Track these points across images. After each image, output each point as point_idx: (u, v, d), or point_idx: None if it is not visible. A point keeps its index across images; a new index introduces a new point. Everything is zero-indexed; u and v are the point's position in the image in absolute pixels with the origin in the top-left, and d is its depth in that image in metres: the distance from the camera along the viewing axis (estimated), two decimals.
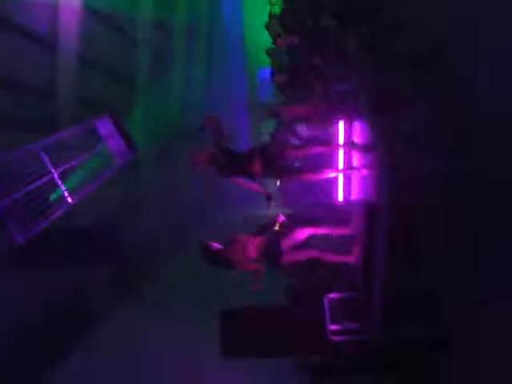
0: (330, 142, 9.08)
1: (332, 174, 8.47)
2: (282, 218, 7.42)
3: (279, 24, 10.48)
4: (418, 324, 6.01)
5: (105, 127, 9.42)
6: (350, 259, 7.24)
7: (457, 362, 5.72)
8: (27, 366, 10.26)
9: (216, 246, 7.12)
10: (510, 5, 4.93)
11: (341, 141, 8.68)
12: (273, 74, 11.45)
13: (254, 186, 7.68)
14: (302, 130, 9.63)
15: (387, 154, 6.42)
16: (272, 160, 7.55)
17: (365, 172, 7.70)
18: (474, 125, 5.56)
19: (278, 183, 8.51)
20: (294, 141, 9.51)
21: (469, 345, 5.48)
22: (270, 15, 11.72)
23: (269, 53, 11.87)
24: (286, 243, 7.18)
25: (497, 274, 5.02)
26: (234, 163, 7.51)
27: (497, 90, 5.12)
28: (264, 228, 7.38)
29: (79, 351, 12.29)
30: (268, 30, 11.17)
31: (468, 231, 5.47)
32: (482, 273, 5.23)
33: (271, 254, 7.13)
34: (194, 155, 7.59)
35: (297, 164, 8.87)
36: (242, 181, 7.72)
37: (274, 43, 11.19)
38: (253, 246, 7.09)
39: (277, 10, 11.76)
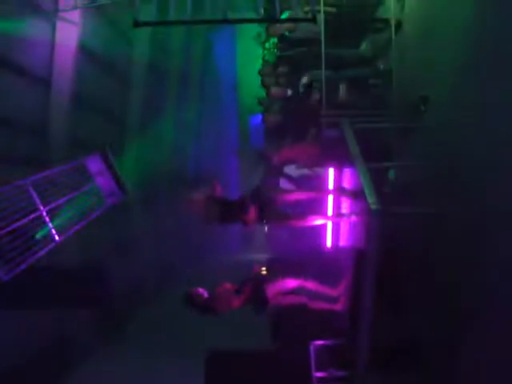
0: (319, 187, 9.09)
1: (321, 221, 8.46)
2: (260, 267, 7.46)
3: (272, 72, 10.57)
4: (405, 370, 5.94)
5: (95, 165, 9.43)
6: (337, 306, 7.19)
7: None
8: None
9: (201, 291, 7.10)
10: (494, 56, 5.06)
11: (330, 186, 8.69)
12: (264, 118, 11.48)
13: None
14: (293, 174, 9.64)
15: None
16: (263, 206, 7.58)
17: (354, 218, 7.70)
18: (461, 169, 5.62)
19: (267, 228, 8.52)
20: (285, 185, 9.53)
21: None
22: (264, 62, 11.84)
23: (261, 101, 11.91)
24: (271, 289, 7.15)
25: (484, 319, 5.00)
26: (227, 211, 7.55)
27: (483, 137, 5.20)
28: (250, 277, 7.37)
29: None
30: (261, 77, 11.25)
31: (455, 276, 5.48)
32: (468, 318, 5.21)
33: (258, 301, 7.10)
34: (190, 198, 7.62)
35: (287, 209, 8.87)
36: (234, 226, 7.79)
37: (266, 91, 11.24)
38: (238, 299, 7.07)
39: (271, 57, 11.89)
